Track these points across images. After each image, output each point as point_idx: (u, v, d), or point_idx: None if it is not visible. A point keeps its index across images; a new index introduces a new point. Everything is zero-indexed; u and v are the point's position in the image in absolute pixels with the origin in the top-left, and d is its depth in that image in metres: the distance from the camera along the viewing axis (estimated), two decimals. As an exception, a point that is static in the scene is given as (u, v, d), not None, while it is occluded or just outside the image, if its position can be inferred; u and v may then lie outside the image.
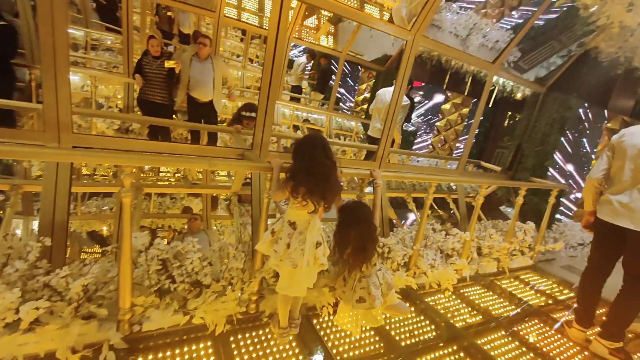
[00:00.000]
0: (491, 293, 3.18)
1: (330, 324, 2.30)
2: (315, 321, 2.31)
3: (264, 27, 6.73)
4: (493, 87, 5.94)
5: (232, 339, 2.03)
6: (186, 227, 5.33)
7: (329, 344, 2.13)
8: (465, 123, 8.87)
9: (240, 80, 7.30)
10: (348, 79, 8.55)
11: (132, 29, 4.61)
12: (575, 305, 2.73)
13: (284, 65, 5.93)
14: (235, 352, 1.94)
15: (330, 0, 2.64)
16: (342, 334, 2.21)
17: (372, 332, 2.29)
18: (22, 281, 1.74)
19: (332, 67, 7.12)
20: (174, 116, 4.97)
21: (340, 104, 8.06)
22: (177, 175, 6.23)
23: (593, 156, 5.19)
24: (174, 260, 2.04)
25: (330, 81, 6.95)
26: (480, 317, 2.75)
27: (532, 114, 4.44)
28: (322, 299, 2.29)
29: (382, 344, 2.22)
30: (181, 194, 6.01)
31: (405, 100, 4.52)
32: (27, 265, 1.73)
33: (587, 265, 2.60)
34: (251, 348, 1.99)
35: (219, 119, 5.04)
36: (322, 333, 2.21)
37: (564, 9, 4.38)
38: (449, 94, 8.21)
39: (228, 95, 4.77)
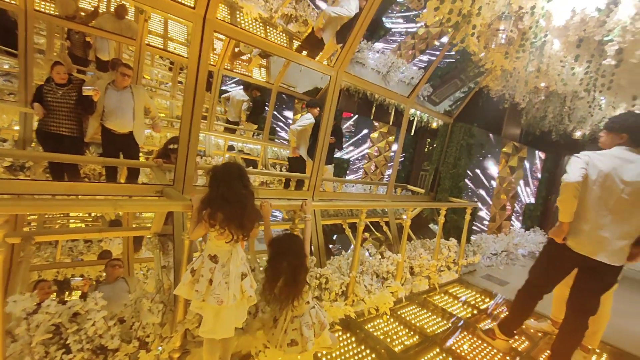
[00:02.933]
0: (425, 311, 3.31)
1: (266, 371, 2.11)
2: (249, 369, 2.10)
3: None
4: (412, 118, 6.63)
5: (148, 410, 1.72)
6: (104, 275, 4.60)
7: (265, 395, 1.94)
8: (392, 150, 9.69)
9: (169, 110, 6.91)
10: (284, 109, 8.74)
11: (32, 52, 4.08)
12: (502, 315, 2.86)
13: (214, 96, 5.81)
14: None
15: (259, 39, 2.71)
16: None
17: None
18: None
19: (266, 99, 7.26)
20: (85, 150, 4.40)
21: (278, 133, 8.13)
22: (92, 215, 5.45)
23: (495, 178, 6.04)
24: (70, 324, 1.69)
25: (264, 112, 7.02)
26: (417, 337, 2.83)
27: (444, 141, 5.05)
28: (257, 343, 2.11)
29: (322, 384, 2.10)
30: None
31: (309, 119, 4.78)
32: None
33: (531, 283, 2.50)
34: (172, 417, 1.71)
35: (142, 151, 4.63)
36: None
37: (458, 55, 5.21)
38: (376, 124, 8.93)
39: (152, 126, 4.44)
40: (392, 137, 9.35)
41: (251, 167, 6.23)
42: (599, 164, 2.12)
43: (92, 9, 5.96)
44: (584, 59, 2.97)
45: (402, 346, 2.67)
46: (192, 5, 2.06)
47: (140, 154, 4.70)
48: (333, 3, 3.96)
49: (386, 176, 9.11)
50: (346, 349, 2.50)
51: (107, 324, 1.72)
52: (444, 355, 2.61)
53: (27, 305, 1.62)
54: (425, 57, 6.98)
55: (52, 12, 5.38)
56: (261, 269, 2.51)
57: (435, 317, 3.21)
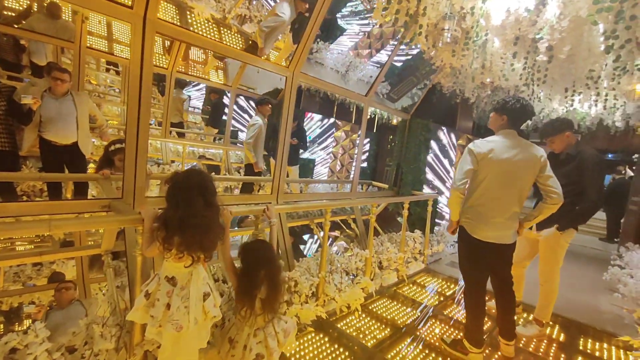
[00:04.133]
0: (395, 303, 3.41)
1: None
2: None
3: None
4: (373, 116, 6.78)
5: None
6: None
7: (237, 409, 1.87)
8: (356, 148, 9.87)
9: (121, 117, 6.45)
10: (245, 112, 8.53)
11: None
12: (461, 333, 2.71)
13: (168, 100, 5.52)
14: None
15: (208, 40, 2.59)
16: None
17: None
18: None
19: (225, 101, 7.04)
20: (20, 164, 3.97)
21: (239, 137, 7.92)
22: (41, 236, 4.93)
23: (452, 168, 6.37)
24: (7, 362, 1.51)
25: (224, 115, 6.80)
26: (389, 330, 2.89)
27: (403, 137, 5.23)
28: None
29: (297, 389, 2.07)
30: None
31: (257, 122, 4.74)
32: None
33: (468, 286, 2.48)
34: None
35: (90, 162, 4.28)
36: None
37: (414, 52, 5.43)
38: (339, 123, 9.04)
39: (100, 134, 4.12)
40: (356, 134, 9.53)
41: (213, 173, 6.01)
42: (485, 151, 2.25)
43: (22, 8, 5.39)
44: (521, 55, 3.22)
45: (375, 340, 2.71)
46: (130, 5, 1.92)
47: (91, 165, 4.35)
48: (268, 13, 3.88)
49: (352, 174, 9.29)
50: (320, 349, 2.50)
51: (52, 356, 1.55)
52: (416, 343, 2.69)
53: (-51, 347, 1.42)
54: (383, 56, 7.19)
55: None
56: (222, 279, 2.43)
57: (405, 307, 3.31)
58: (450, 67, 4.00)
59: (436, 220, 5.74)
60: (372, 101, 4.24)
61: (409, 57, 6.47)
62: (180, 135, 6.45)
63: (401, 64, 6.70)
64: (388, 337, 2.79)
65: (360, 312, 3.06)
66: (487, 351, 2.59)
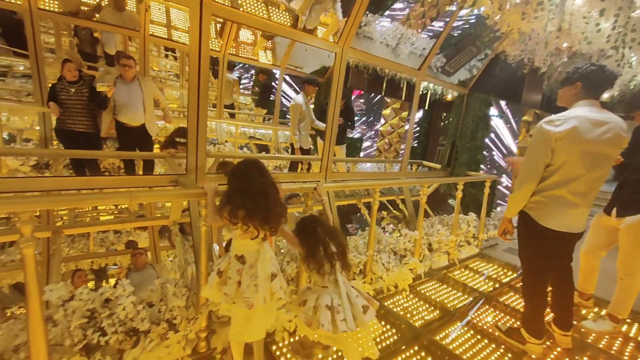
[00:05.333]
0: (445, 286, 3.31)
1: (289, 348, 2.18)
2: (274, 347, 2.18)
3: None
4: (425, 91, 6.39)
5: (180, 386, 1.83)
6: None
7: (290, 370, 2.01)
8: (406, 126, 9.44)
9: (180, 100, 6.95)
10: (293, 91, 8.60)
11: (42, 52, 4.14)
12: (519, 322, 2.49)
13: (222, 82, 5.77)
14: (185, 402, 1.75)
15: (261, 20, 2.62)
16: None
17: (334, 348, 2.23)
18: None
19: (273, 82, 7.14)
20: (104, 144, 4.52)
21: (287, 116, 8.06)
22: (119, 207, 5.67)
23: (515, 146, 5.80)
24: (103, 309, 1.79)
25: (272, 96, 6.93)
26: (438, 312, 2.84)
27: (460, 113, 4.85)
28: (277, 324, 2.17)
29: (345, 358, 2.16)
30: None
31: (297, 101, 4.60)
32: None
33: (529, 274, 2.28)
34: (203, 393, 1.81)
35: (156, 142, 4.71)
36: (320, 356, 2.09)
37: (473, 19, 4.90)
38: (388, 100, 8.68)
39: (163, 117, 4.49)
40: (406, 112, 9.09)
41: (263, 153, 6.25)
42: (563, 130, 1.91)
43: (95, 3, 5.94)
44: (611, 13, 2.72)
45: (423, 321, 2.69)
46: (189, -11, 2.00)
47: (156, 145, 4.80)
48: None
49: (401, 153, 8.95)
50: (367, 325, 2.55)
51: (136, 308, 1.81)
52: (467, 328, 2.61)
53: (62, 293, 1.72)
54: (437, 25, 6.63)
55: (55, 10, 5.40)
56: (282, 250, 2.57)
57: (455, 292, 3.21)
58: (518, 32, 3.54)
59: (494, 202, 5.35)
60: (426, 75, 3.98)
61: (468, 25, 5.89)
62: (232, 116, 6.76)
63: (458, 32, 6.13)
64: (437, 319, 2.75)
65: (407, 293, 3.03)
66: (547, 343, 2.42)
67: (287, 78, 8.01)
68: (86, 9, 5.61)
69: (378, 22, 6.08)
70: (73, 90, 3.79)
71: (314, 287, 1.80)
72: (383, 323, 2.59)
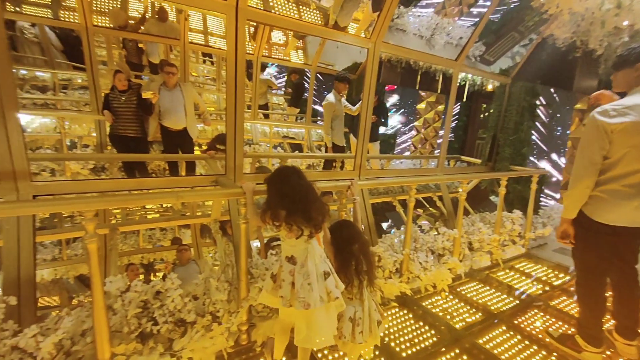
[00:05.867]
0: (488, 287, 3.15)
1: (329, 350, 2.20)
2: (315, 349, 2.21)
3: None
4: (463, 83, 6.08)
5: (224, 376, 1.93)
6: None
7: (327, 366, 2.04)
8: (443, 119, 9.03)
9: (217, 104, 7.27)
10: (323, 90, 8.63)
11: (97, 65, 4.56)
12: (574, 327, 2.34)
13: (256, 84, 5.94)
14: (229, 390, 1.84)
15: (293, 20, 2.66)
16: (340, 354, 2.12)
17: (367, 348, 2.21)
18: (-12, 347, 1.61)
19: (305, 81, 7.21)
20: (150, 148, 4.88)
21: (319, 115, 8.10)
22: (164, 206, 6.10)
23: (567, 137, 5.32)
24: (154, 301, 1.94)
25: (305, 95, 7.00)
26: (480, 314, 2.71)
27: (501, 104, 4.54)
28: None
29: (382, 358, 2.14)
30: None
31: (329, 100, 4.56)
32: (-10, 330, 1.61)
33: (584, 275, 2.13)
34: (245, 383, 1.89)
35: (196, 145, 4.98)
36: (319, 355, 2.12)
37: (516, 2, 4.56)
38: (422, 94, 8.37)
39: (203, 120, 4.73)
40: (442, 106, 8.71)
41: (297, 152, 6.34)
42: (621, 121, 1.73)
43: (140, 16, 6.38)
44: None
45: (464, 323, 2.58)
46: (224, -4, 2.08)
47: (195, 148, 5.07)
48: None
49: (437, 149, 8.60)
50: (404, 325, 2.50)
51: (184, 300, 1.93)
52: (512, 332, 2.47)
53: (119, 285, 1.89)
54: (475, 12, 6.26)
55: (107, 25, 5.88)
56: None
57: (499, 293, 3.04)
58: (569, 12, 3.24)
59: (542, 199, 4.97)
60: (464, 66, 3.78)
61: (510, 9, 5.50)
62: (266, 116, 6.95)
63: (499, 18, 5.76)
64: (479, 321, 2.62)
65: (447, 293, 2.93)
66: (607, 352, 2.21)
67: (319, 76, 8.05)
68: (133, 22, 6.07)
69: (411, 14, 5.89)
70: (123, 98, 4.12)
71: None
72: (421, 323, 2.53)
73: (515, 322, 2.60)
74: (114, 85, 4.14)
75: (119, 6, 6.66)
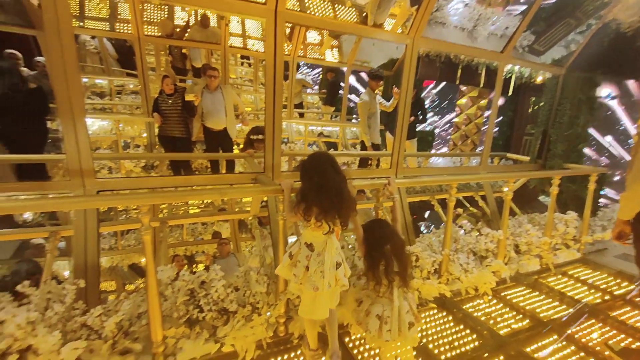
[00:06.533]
0: (537, 293, 2.94)
1: (362, 341, 2.21)
2: (347, 339, 2.23)
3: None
4: (509, 75, 5.70)
5: (264, 364, 2.01)
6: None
7: (363, 363, 2.04)
8: (485, 115, 8.53)
9: (254, 104, 7.53)
10: (358, 87, 8.56)
11: (147, 71, 4.93)
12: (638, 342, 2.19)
13: (292, 84, 6.05)
14: (268, 379, 1.91)
15: (329, 20, 2.69)
16: (375, 352, 2.11)
17: (408, 347, 2.18)
18: (62, 323, 1.83)
19: (341, 80, 7.19)
20: (194, 147, 5.18)
21: (354, 113, 8.06)
22: (205, 202, 6.46)
23: (633, 131, 4.77)
24: (200, 290, 2.07)
25: (340, 93, 7.00)
26: (528, 321, 2.55)
27: (554, 97, 4.17)
28: (349, 315, 2.21)
29: (420, 359, 2.09)
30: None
31: (363, 99, 4.48)
32: (64, 308, 1.82)
33: None
34: (284, 373, 1.95)
35: (235, 144, 5.20)
36: (355, 352, 2.13)
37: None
38: (463, 88, 7.96)
39: (241, 120, 4.92)
40: (484, 100, 8.22)
41: (332, 150, 6.37)
42: None
43: (184, 23, 6.79)
44: None
45: (509, 329, 2.44)
46: (264, 2, 2.15)
47: (235, 147, 5.30)
48: None
49: (479, 146, 8.14)
50: (443, 327, 2.42)
51: (226, 291, 2.04)
52: (564, 342, 2.28)
53: (169, 274, 2.04)
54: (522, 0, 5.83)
55: (156, 34, 6.32)
56: (349, 246, 2.62)
57: (550, 300, 2.82)
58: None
59: (601, 200, 4.52)
60: (510, 58, 3.54)
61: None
62: (301, 115, 7.06)
63: (549, 4, 5.30)
64: (526, 328, 2.46)
65: (490, 297, 2.78)
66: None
67: (352, 74, 7.99)
68: (178, 30, 6.48)
69: (451, 6, 5.63)
70: (170, 101, 4.43)
71: (370, 292, 1.92)
72: (461, 327, 2.43)
73: (569, 331, 2.40)
74: (162, 89, 4.46)
75: (166, 16, 7.13)
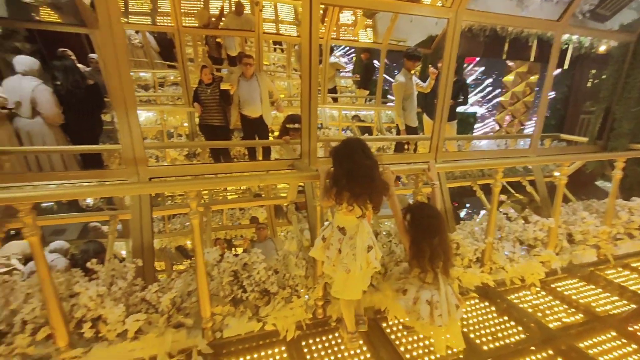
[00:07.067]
0: (593, 287, 2.73)
1: (400, 327, 2.21)
2: (384, 324, 2.25)
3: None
4: (565, 46, 5.12)
5: (303, 343, 2.09)
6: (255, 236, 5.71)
7: (401, 348, 2.05)
8: (536, 93, 7.79)
9: (287, 90, 7.56)
10: (394, 69, 8.23)
11: (187, 62, 5.12)
12: None
13: (325, 69, 5.96)
14: (308, 357, 1.99)
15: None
16: (414, 338, 2.11)
17: (448, 335, 2.14)
18: (125, 297, 2.03)
19: (375, 61, 6.94)
20: (231, 135, 5.37)
21: (389, 96, 7.77)
22: (242, 188, 6.72)
23: None
24: (243, 271, 2.18)
25: (375, 75, 6.77)
26: (581, 315, 2.38)
27: (621, 68, 3.67)
28: (388, 301, 2.22)
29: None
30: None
31: (398, 81, 4.25)
32: (126, 284, 2.02)
33: None
34: (322, 353, 2.03)
35: (270, 131, 5.30)
36: (392, 337, 2.14)
37: None
38: (510, 64, 7.29)
39: (276, 107, 4.98)
40: (535, 76, 7.48)
41: (366, 134, 6.25)
42: None
43: (218, 13, 6.90)
44: None
45: (559, 323, 2.30)
46: (300, -17, 2.10)
47: (270, 134, 5.40)
48: None
49: (527, 127, 7.49)
50: (485, 317, 2.35)
51: (267, 273, 2.13)
52: (624, 340, 2.11)
53: (215, 256, 2.17)
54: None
55: (194, 25, 6.50)
56: (384, 233, 2.59)
57: (608, 294, 2.61)
58: None
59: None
60: (568, 26, 3.16)
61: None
62: (335, 100, 6.97)
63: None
64: (579, 323, 2.31)
65: (538, 289, 2.63)
66: None
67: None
68: (214, 19, 6.62)
69: (498, -29, 5.12)
70: (209, 91, 4.58)
71: (413, 279, 1.90)
72: (505, 318, 2.34)
73: (630, 329, 2.21)
74: (200, 80, 4.62)
75: (202, 6, 7.30)
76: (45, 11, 6.10)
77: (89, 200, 5.52)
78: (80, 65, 4.81)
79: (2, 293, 1.90)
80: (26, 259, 3.39)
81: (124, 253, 4.73)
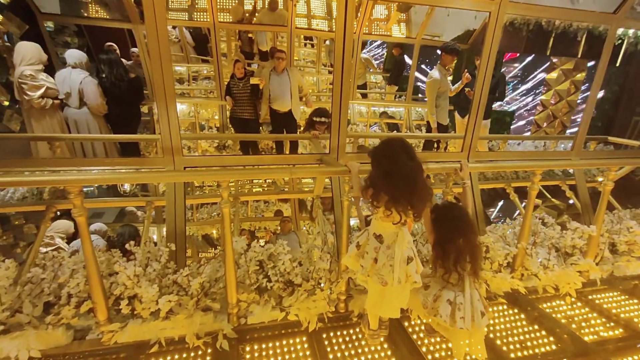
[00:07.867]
0: (636, 301, 2.53)
1: (422, 327, 2.18)
2: (406, 324, 2.23)
3: (333, 29, 6.83)
4: (619, 41, 4.72)
5: (324, 335, 2.12)
6: (279, 228, 5.83)
7: (423, 349, 2.02)
8: (582, 92, 7.22)
9: (316, 85, 7.58)
10: (426, 66, 7.98)
11: (221, 57, 5.26)
12: None
13: (356, 63, 5.89)
14: (329, 349, 2.02)
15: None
16: (437, 340, 2.07)
17: (468, 341, 2.08)
18: (159, 279, 2.16)
19: (406, 56, 6.76)
20: (260, 128, 5.48)
21: (420, 94, 7.56)
22: (267, 181, 6.87)
23: None
24: (268, 262, 2.24)
25: (406, 71, 6.61)
26: (621, 330, 2.23)
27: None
28: (410, 300, 2.19)
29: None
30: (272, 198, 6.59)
31: (432, 78, 4.08)
32: (160, 266, 2.15)
33: None
34: (343, 346, 2.04)
35: (298, 126, 5.35)
36: (414, 337, 2.12)
37: None
38: (554, 61, 6.82)
39: (305, 102, 5.01)
40: (581, 74, 6.94)
41: (394, 132, 6.14)
42: None
43: (251, 8, 7.02)
44: None
45: (596, 336, 2.17)
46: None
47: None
48: None
49: (570, 128, 6.99)
50: (513, 325, 2.26)
51: (292, 264, 2.18)
52: (671, 361, 1.95)
53: (242, 245, 2.25)
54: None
55: (228, 20, 6.67)
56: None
57: (654, 311, 2.41)
58: None
59: None
60: (626, 19, 2.91)
61: None
62: (364, 96, 6.89)
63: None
64: (618, 338, 2.16)
65: (573, 299, 2.48)
66: None
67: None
68: (247, 15, 6.75)
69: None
70: (241, 85, 4.70)
71: (438, 279, 1.79)
72: (536, 327, 2.23)
73: (679, 350, 2.04)
74: (233, 73, 4.74)
75: (237, 2, 7.46)
76: (94, 8, 6.52)
77: (126, 187, 5.88)
78: (122, 59, 5.10)
79: (51, 267, 2.08)
80: (68, 238, 3.69)
81: (154, 237, 5.00)
